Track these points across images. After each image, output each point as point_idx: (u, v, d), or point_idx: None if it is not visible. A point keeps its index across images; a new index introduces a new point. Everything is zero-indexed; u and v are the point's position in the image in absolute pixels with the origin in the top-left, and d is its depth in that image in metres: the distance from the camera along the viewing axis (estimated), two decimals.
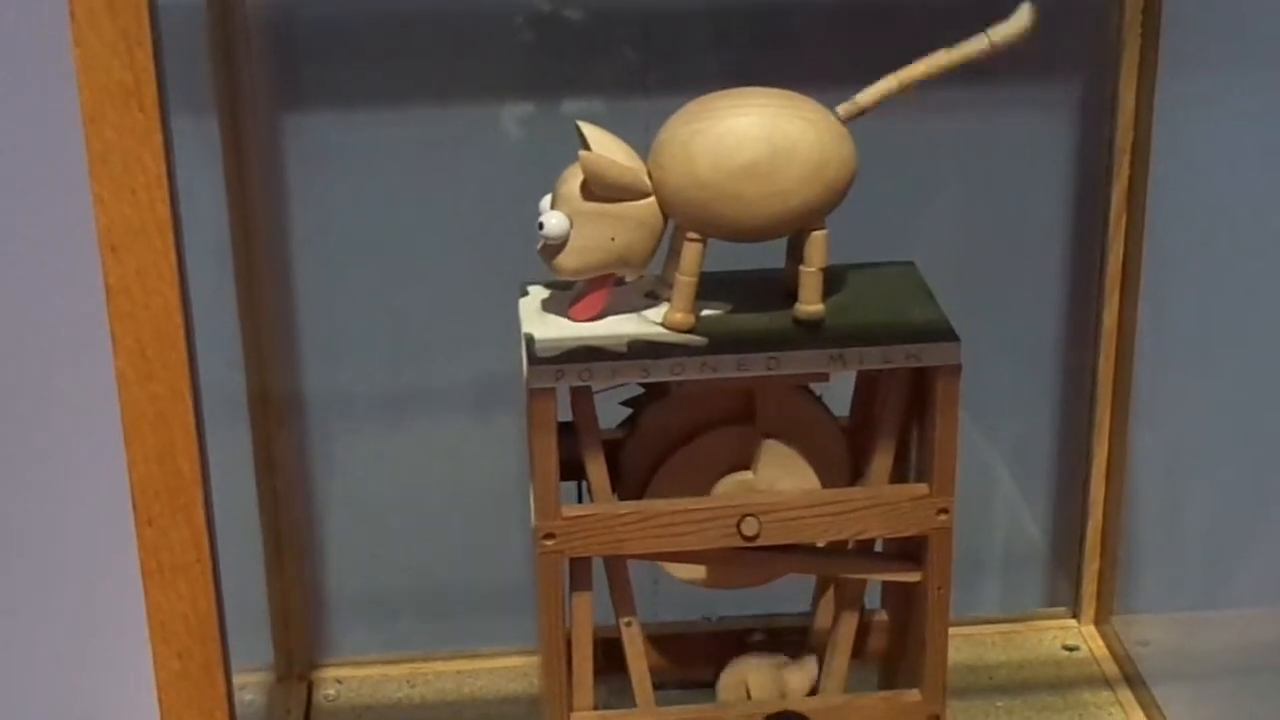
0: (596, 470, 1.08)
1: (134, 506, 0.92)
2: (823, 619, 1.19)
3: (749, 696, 1.17)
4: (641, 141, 1.07)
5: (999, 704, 1.40)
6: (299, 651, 1.44)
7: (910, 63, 1.07)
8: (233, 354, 1.32)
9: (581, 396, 1.07)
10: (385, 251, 1.35)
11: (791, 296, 1.08)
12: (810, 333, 1.07)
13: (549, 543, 1.08)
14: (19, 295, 1.26)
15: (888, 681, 1.21)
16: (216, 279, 1.29)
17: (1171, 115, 1.32)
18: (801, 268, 1.07)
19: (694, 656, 1.22)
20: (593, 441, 1.08)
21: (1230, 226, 1.27)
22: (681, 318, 1.07)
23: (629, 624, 1.13)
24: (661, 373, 1.05)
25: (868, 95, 1.06)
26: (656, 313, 1.08)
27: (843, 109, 1.05)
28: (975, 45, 1.07)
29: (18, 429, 1.30)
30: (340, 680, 1.44)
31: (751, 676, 1.17)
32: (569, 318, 1.08)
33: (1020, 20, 1.06)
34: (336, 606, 1.45)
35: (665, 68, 1.32)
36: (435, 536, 1.43)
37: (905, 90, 1.07)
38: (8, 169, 1.22)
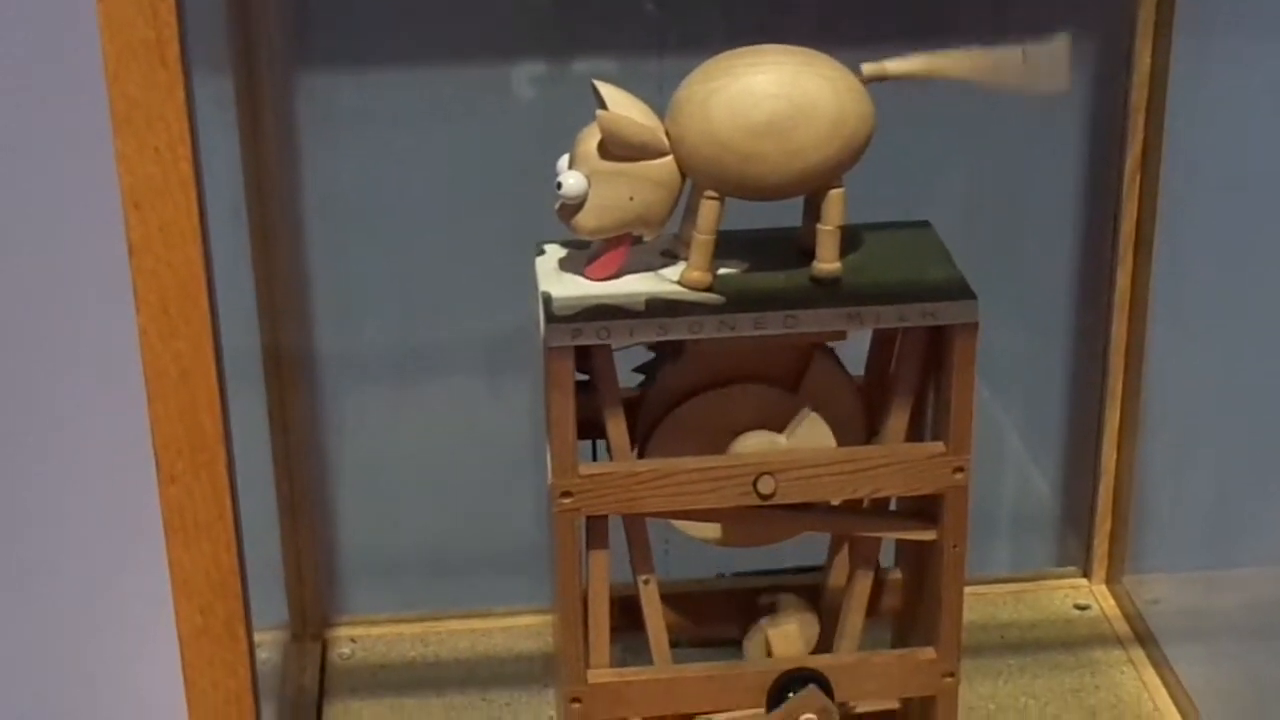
0: (616, 429, 1.09)
1: (156, 464, 0.92)
2: (837, 577, 1.19)
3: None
4: (656, 101, 1.07)
5: (1011, 662, 1.40)
6: (313, 611, 1.44)
7: (942, 40, 1.07)
8: (248, 313, 1.32)
9: (601, 355, 1.07)
10: (399, 211, 1.35)
11: (808, 255, 1.08)
12: (828, 291, 1.07)
13: (566, 501, 1.08)
14: (41, 254, 1.26)
15: (902, 639, 1.21)
16: (232, 238, 1.29)
17: (1187, 76, 1.31)
18: (819, 226, 1.07)
19: (708, 615, 1.22)
20: (613, 400, 1.08)
21: (1245, 189, 1.27)
22: (699, 276, 1.07)
23: (647, 582, 1.13)
24: (679, 331, 1.05)
25: (896, 66, 1.05)
26: (674, 271, 1.08)
27: (867, 70, 1.05)
28: (1011, 60, 1.07)
29: (40, 388, 1.31)
30: (354, 639, 1.45)
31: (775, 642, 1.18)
32: (586, 276, 1.08)
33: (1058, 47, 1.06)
34: (350, 566, 1.45)
35: (681, 27, 1.32)
36: (449, 495, 1.43)
37: (931, 77, 1.07)
38: (30, 127, 1.22)
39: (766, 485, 1.09)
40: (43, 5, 1.18)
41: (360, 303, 1.37)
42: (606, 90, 1.05)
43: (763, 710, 1.14)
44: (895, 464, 1.10)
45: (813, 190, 1.07)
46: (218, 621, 0.96)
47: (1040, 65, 1.07)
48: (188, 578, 0.94)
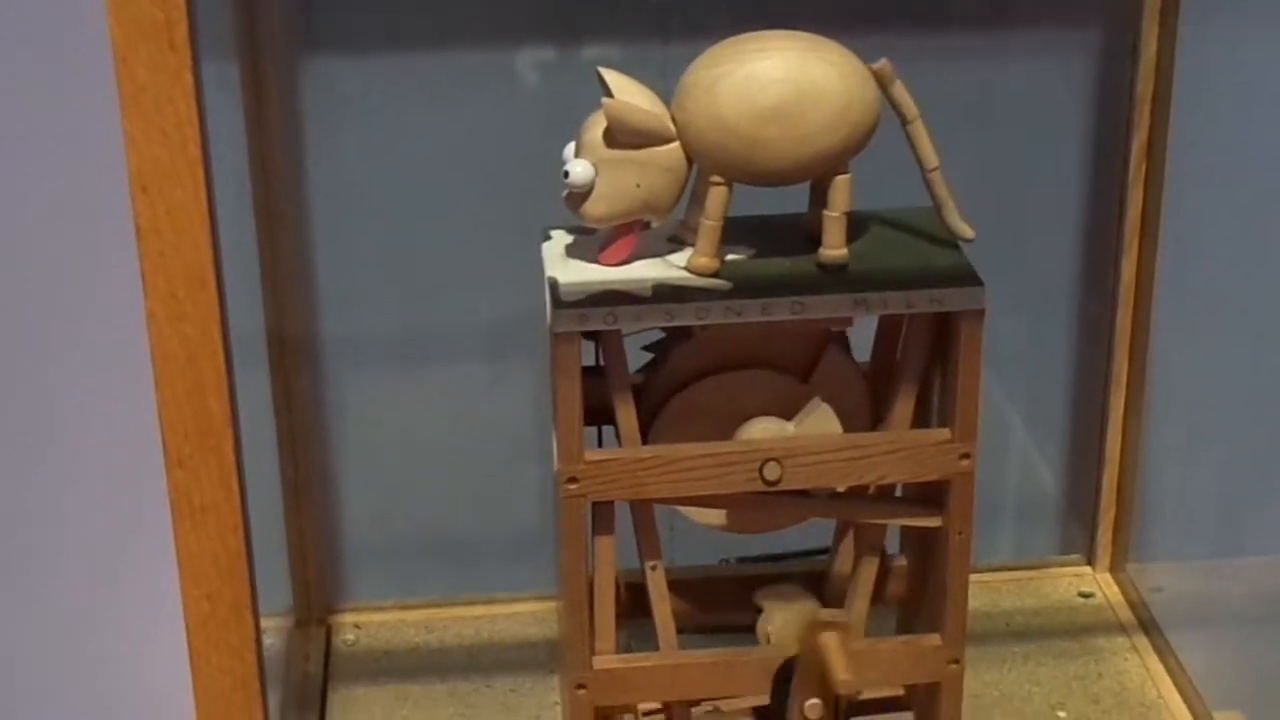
0: (625, 415, 1.08)
1: (164, 448, 0.92)
2: (842, 564, 1.19)
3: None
4: (660, 88, 1.07)
5: (1015, 649, 1.40)
6: (318, 596, 1.44)
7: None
8: (252, 297, 1.32)
9: (611, 341, 1.07)
10: (404, 196, 1.35)
11: (814, 241, 1.08)
12: (834, 277, 1.07)
13: (572, 487, 1.08)
14: (49, 238, 1.26)
15: (907, 626, 1.21)
16: (237, 223, 1.29)
17: (1193, 63, 1.31)
18: (825, 212, 1.07)
19: (712, 601, 1.22)
20: (622, 386, 1.08)
21: (1251, 177, 1.27)
22: (706, 262, 1.07)
23: (654, 568, 1.13)
24: (686, 317, 1.05)
25: (901, 94, 1.06)
26: (680, 257, 1.08)
27: (879, 66, 1.05)
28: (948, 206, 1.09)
29: (48, 373, 1.31)
30: (359, 625, 1.44)
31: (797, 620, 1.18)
32: (598, 263, 1.08)
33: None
34: (355, 551, 1.45)
35: (684, 13, 1.32)
36: (454, 481, 1.43)
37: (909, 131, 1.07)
38: (38, 111, 1.22)
39: (773, 471, 1.09)
40: None
41: (365, 287, 1.37)
42: (612, 77, 1.05)
43: (767, 698, 1.15)
44: (901, 451, 1.10)
45: (819, 176, 1.07)
46: (224, 606, 0.95)
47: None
48: (194, 562, 0.94)
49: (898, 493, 1.16)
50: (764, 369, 1.11)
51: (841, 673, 1.09)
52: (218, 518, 0.93)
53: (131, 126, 0.86)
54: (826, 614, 1.14)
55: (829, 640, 1.10)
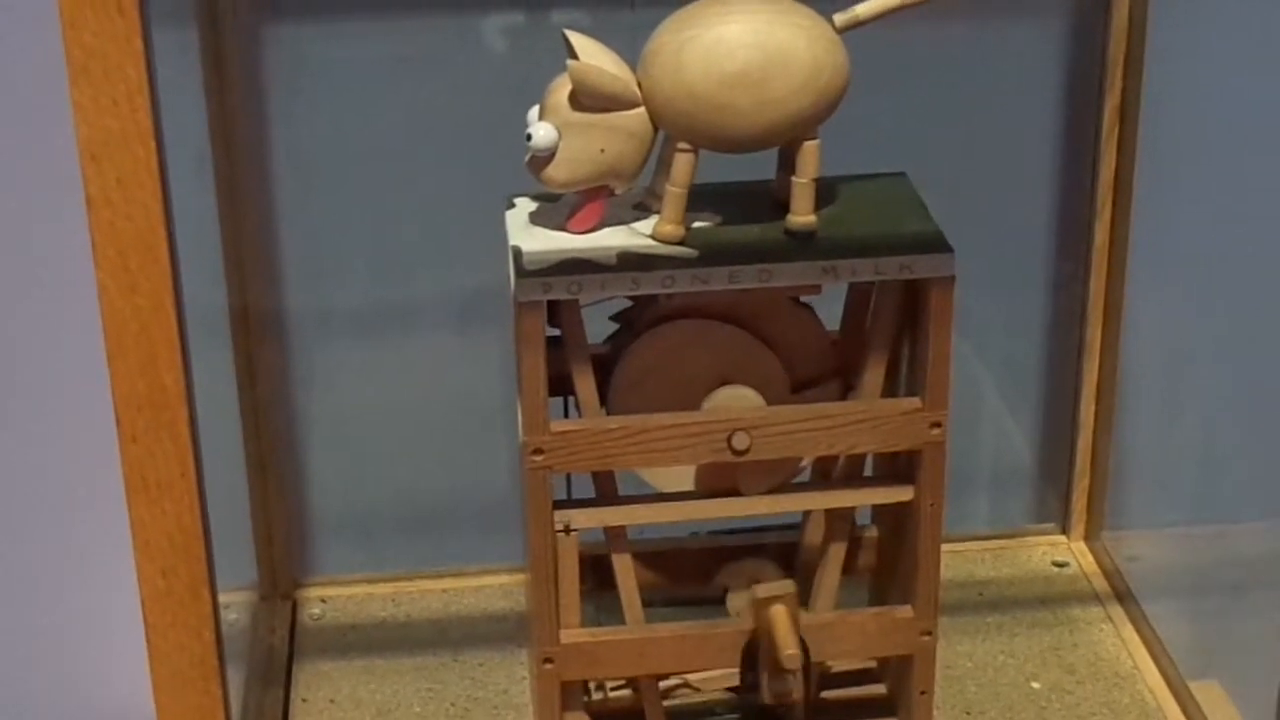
0: (584, 385, 1.07)
1: (117, 422, 0.91)
2: (812, 535, 1.18)
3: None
4: (629, 55, 1.05)
5: (989, 620, 1.39)
6: (283, 570, 1.43)
7: None
8: (214, 269, 1.30)
9: (569, 309, 1.05)
10: (368, 164, 1.33)
11: (782, 208, 1.07)
12: (802, 244, 1.06)
13: (537, 458, 1.07)
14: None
15: (879, 598, 1.20)
16: (197, 193, 1.27)
17: (1165, 25, 1.30)
18: (793, 178, 1.05)
19: (682, 573, 1.21)
20: (580, 356, 1.07)
21: (1223, 139, 1.26)
22: (671, 229, 1.05)
23: (618, 540, 1.12)
24: (651, 285, 1.04)
25: (867, 8, 1.04)
26: (646, 225, 1.07)
27: (839, 19, 1.04)
28: None
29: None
30: (325, 599, 1.43)
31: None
32: (568, 230, 1.06)
33: None
34: (321, 525, 1.44)
35: None
36: (420, 453, 1.42)
37: (905, 7, 1.05)
38: None
39: (741, 441, 1.08)
40: None
41: (330, 257, 1.36)
42: (578, 40, 1.04)
43: (736, 670, 1.14)
44: (871, 420, 1.09)
45: (787, 142, 1.05)
46: (181, 583, 0.94)
47: None
48: (150, 539, 0.93)
49: (867, 465, 1.15)
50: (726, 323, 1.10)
51: (787, 648, 1.08)
52: (173, 494, 0.92)
53: (80, 94, 0.84)
54: (767, 588, 1.12)
55: (777, 614, 1.09)
